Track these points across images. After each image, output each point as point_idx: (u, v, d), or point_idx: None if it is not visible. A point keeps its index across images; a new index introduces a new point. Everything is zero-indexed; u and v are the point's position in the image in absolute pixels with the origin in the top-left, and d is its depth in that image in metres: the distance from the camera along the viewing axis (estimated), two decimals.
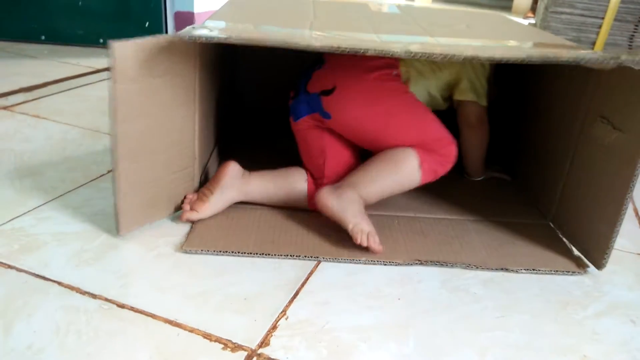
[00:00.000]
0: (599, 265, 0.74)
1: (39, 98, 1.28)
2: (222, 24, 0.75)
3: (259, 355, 0.54)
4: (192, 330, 0.56)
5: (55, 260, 0.66)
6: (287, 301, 0.62)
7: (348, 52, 0.63)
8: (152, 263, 0.68)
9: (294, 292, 0.64)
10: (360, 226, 0.72)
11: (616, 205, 0.70)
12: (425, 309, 0.63)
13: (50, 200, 0.80)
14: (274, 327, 0.58)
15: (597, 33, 1.21)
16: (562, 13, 1.22)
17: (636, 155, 0.67)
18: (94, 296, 0.60)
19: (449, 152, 0.80)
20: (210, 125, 0.90)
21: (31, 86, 1.35)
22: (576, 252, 0.78)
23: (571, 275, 0.73)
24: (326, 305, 0.62)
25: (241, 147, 1.05)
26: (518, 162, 1.04)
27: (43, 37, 1.77)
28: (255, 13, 0.91)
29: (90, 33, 1.77)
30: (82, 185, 0.86)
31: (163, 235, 0.73)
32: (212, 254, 0.70)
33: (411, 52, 0.63)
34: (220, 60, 0.96)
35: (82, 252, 0.68)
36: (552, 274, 0.73)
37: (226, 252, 0.71)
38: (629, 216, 0.93)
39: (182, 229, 0.75)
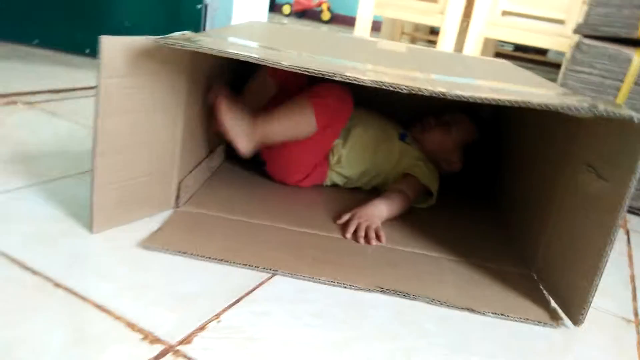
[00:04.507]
0: (576, 320, 0.68)
1: (63, 100, 1.34)
2: (209, 38, 0.76)
3: (176, 351, 0.52)
4: (117, 318, 0.55)
5: (11, 235, 0.67)
6: (225, 306, 0.60)
7: (315, 74, 0.62)
8: (106, 253, 0.67)
9: (236, 299, 0.62)
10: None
11: (595, 258, 0.66)
12: (368, 335, 0.60)
13: (32, 184, 0.82)
14: (201, 328, 0.56)
15: (616, 96, 1.18)
16: (580, 72, 1.19)
17: (617, 206, 0.63)
18: (34, 273, 0.60)
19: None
20: (200, 137, 0.91)
21: (60, 89, 1.42)
22: (554, 304, 0.73)
23: (542, 326, 0.68)
24: (264, 316, 0.60)
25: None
26: (506, 210, 1.00)
27: (87, 51, 1.87)
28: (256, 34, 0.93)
29: None
30: (69, 176, 0.88)
31: (129, 230, 0.73)
32: (170, 253, 0.69)
33: (378, 82, 0.62)
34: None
35: (40, 233, 0.69)
36: (520, 321, 0.68)
37: (184, 253, 0.70)
38: (623, 282, 0.86)
39: (152, 227, 0.75)
